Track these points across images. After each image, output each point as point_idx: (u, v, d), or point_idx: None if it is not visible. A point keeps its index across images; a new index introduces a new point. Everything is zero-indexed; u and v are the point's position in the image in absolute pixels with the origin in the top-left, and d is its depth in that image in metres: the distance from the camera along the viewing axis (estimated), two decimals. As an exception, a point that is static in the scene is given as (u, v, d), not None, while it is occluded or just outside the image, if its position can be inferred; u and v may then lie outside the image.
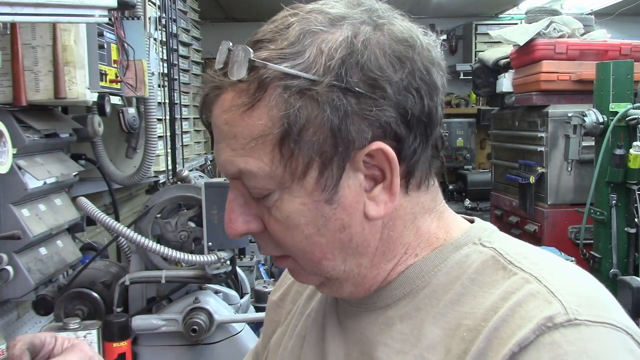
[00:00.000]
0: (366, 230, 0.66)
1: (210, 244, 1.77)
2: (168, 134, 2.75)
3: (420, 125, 0.64)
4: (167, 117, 2.77)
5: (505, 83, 4.42)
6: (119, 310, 1.80)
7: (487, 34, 5.68)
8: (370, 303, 0.72)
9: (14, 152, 1.54)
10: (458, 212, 0.76)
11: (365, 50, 0.61)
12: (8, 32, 1.54)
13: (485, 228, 0.72)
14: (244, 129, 0.62)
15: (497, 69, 4.57)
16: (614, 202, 3.25)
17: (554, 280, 0.61)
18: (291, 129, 0.61)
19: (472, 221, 0.75)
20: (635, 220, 3.19)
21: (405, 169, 0.66)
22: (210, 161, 3.68)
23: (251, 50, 0.61)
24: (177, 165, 2.74)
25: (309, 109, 0.61)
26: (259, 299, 2.19)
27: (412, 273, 0.69)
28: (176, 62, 3.05)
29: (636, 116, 3.10)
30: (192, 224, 1.87)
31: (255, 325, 2.05)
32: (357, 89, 0.61)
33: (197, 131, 3.84)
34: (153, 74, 2.43)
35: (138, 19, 2.09)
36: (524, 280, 0.62)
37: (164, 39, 2.78)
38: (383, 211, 0.65)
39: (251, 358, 0.97)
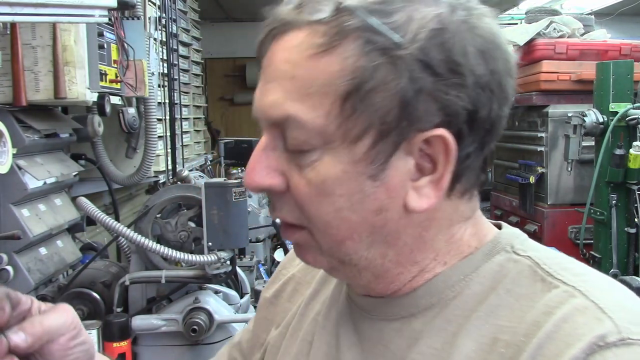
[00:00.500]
0: (402, 221, 0.61)
1: (210, 244, 1.77)
2: (168, 134, 2.75)
3: (481, 131, 0.61)
4: (167, 117, 2.77)
5: (505, 83, 4.41)
6: (119, 310, 1.80)
7: (487, 34, 5.67)
8: (393, 312, 0.66)
9: (14, 152, 1.54)
10: None
11: (456, 33, 0.57)
12: (8, 32, 1.54)
13: (516, 235, 0.67)
14: (308, 72, 0.57)
15: (497, 69, 4.56)
16: (614, 202, 3.26)
17: (601, 295, 0.57)
18: (360, 86, 0.56)
19: (499, 226, 0.70)
20: (635, 220, 3.19)
21: (455, 171, 0.61)
22: (210, 161, 3.68)
23: None
24: (177, 165, 2.73)
25: (385, 72, 0.56)
26: (259, 299, 2.18)
27: (441, 282, 0.64)
28: (176, 62, 3.05)
29: (636, 116, 3.10)
30: (192, 224, 1.87)
31: (255, 325, 2.05)
32: (437, 68, 0.56)
33: (197, 131, 3.84)
34: (153, 74, 2.43)
35: (138, 19, 2.09)
36: (567, 294, 0.58)
37: (164, 39, 2.78)
38: (425, 205, 0.60)
39: (231, 356, 0.90)
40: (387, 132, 0.57)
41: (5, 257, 1.59)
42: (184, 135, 3.23)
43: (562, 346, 0.54)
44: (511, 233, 0.67)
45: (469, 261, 0.64)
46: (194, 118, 3.70)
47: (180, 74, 3.22)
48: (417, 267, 0.65)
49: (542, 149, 3.97)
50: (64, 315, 0.65)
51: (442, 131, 0.58)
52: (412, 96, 0.56)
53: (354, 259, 0.63)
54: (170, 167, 2.71)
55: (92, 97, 1.75)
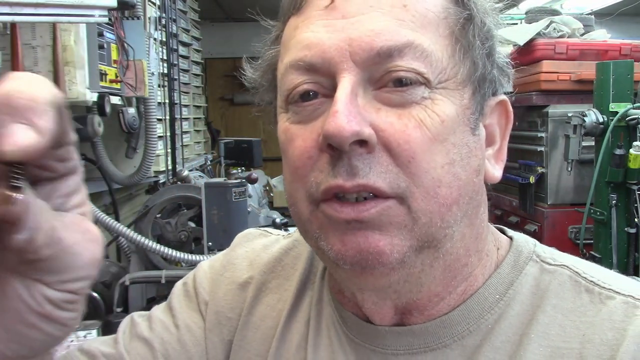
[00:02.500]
0: (482, 192, 0.55)
1: (210, 244, 1.77)
2: (168, 134, 2.75)
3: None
4: (167, 117, 2.77)
5: (505, 83, 4.42)
6: (119, 310, 1.80)
7: (487, 34, 5.67)
8: (418, 343, 0.57)
9: (14, 152, 1.54)
10: None
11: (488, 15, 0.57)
12: (8, 32, 1.54)
13: (526, 240, 0.63)
14: (420, 3, 0.53)
15: (497, 69, 4.56)
16: (614, 202, 3.25)
17: None
18: (475, 23, 0.54)
19: (502, 230, 0.65)
20: (635, 220, 3.19)
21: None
22: (210, 161, 3.68)
23: None
24: (177, 165, 2.73)
25: (481, 26, 0.55)
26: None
27: (476, 304, 0.57)
28: (176, 62, 3.05)
29: (636, 116, 3.10)
30: (192, 224, 1.87)
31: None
32: (495, 40, 0.56)
33: (197, 131, 3.84)
34: (153, 74, 2.43)
35: (138, 19, 2.09)
36: (629, 306, 0.53)
37: (164, 39, 2.78)
38: (498, 173, 0.56)
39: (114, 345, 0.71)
40: (479, 85, 0.55)
41: (5, 257, 1.59)
42: (184, 135, 3.24)
43: None
44: (523, 239, 0.63)
45: (499, 277, 0.59)
46: (194, 118, 3.70)
47: (180, 74, 3.22)
48: (478, 258, 0.58)
49: (542, 149, 3.96)
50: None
51: (504, 97, 0.57)
52: (492, 58, 0.56)
53: (448, 234, 0.53)
54: (170, 167, 2.71)
55: (92, 97, 1.75)
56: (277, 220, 2.60)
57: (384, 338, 0.58)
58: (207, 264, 0.76)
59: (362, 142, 0.50)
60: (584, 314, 0.54)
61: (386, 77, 0.51)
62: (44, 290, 0.36)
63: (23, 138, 0.31)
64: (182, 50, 3.43)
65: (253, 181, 2.24)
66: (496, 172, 0.56)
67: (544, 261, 0.59)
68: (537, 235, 4.01)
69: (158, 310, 0.74)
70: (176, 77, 3.01)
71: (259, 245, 0.75)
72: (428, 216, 0.51)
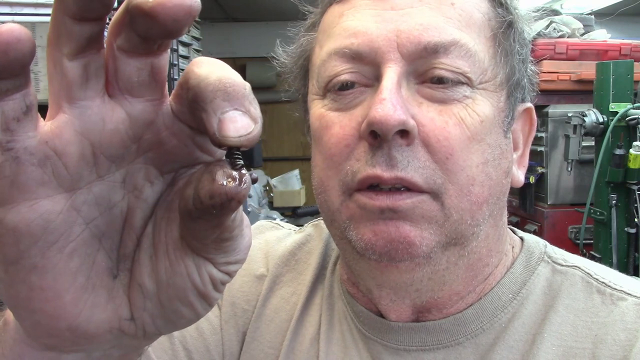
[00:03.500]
0: (506, 194, 0.56)
1: (210, 244, 1.77)
2: (168, 134, 2.75)
3: None
4: (167, 117, 2.77)
5: (505, 83, 4.42)
6: (119, 310, 1.80)
7: (487, 34, 5.67)
8: (431, 340, 0.57)
9: (14, 152, 1.54)
10: None
11: (526, 25, 0.58)
12: (8, 32, 1.54)
13: (536, 240, 0.64)
14: (467, 3, 0.54)
15: (497, 69, 4.57)
16: (614, 202, 3.26)
17: None
18: (515, 28, 0.55)
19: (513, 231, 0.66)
20: (635, 220, 3.19)
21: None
22: (210, 161, 3.68)
23: None
24: (177, 165, 2.73)
25: (519, 33, 0.56)
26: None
27: (490, 303, 0.58)
28: (176, 62, 3.05)
29: (636, 116, 3.10)
30: (192, 224, 1.87)
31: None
32: (527, 47, 0.58)
33: (197, 131, 3.84)
34: (153, 74, 2.43)
35: (138, 19, 2.09)
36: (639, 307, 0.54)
37: (164, 39, 2.77)
38: (521, 177, 0.57)
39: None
40: (514, 90, 0.56)
41: (5, 257, 1.59)
42: (184, 135, 3.23)
43: None
44: (534, 240, 0.64)
45: (512, 276, 0.59)
46: (194, 118, 3.70)
47: (180, 74, 3.22)
48: (498, 257, 0.59)
49: (542, 149, 3.96)
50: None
51: (529, 104, 0.58)
52: (526, 65, 0.57)
53: (475, 232, 0.54)
54: (170, 167, 2.70)
55: (92, 97, 1.75)
56: (277, 220, 2.60)
57: (396, 334, 0.59)
58: None
59: (404, 133, 0.50)
60: (595, 314, 0.55)
61: (429, 72, 0.52)
62: (211, 269, 0.35)
63: (244, 124, 0.31)
64: (182, 50, 3.43)
65: (253, 181, 2.24)
66: (520, 176, 0.58)
67: (556, 262, 0.60)
68: (537, 235, 4.00)
69: None
70: (176, 77, 3.01)
71: (273, 238, 0.76)
72: (460, 213, 0.52)
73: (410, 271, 0.54)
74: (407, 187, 0.51)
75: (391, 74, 0.51)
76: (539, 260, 0.61)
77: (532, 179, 3.99)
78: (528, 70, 0.58)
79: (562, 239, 3.79)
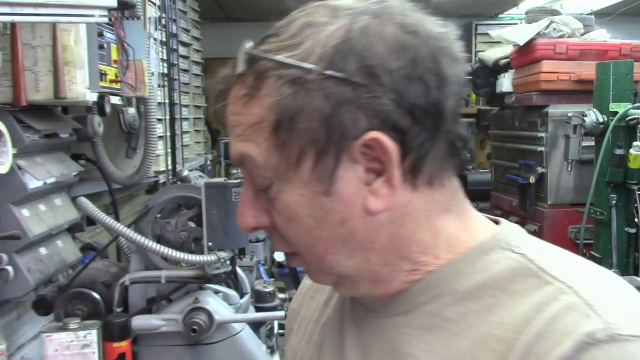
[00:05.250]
0: (369, 225, 0.64)
1: (210, 244, 1.77)
2: (168, 134, 2.75)
3: (427, 117, 0.61)
4: (167, 117, 2.77)
5: (505, 83, 4.42)
6: (119, 310, 1.80)
7: (487, 34, 5.67)
8: (390, 308, 0.68)
9: (14, 152, 1.54)
10: None
11: (362, 38, 0.60)
12: (8, 32, 1.54)
13: (512, 231, 0.68)
14: (245, 118, 0.64)
15: (497, 69, 4.57)
16: (614, 202, 3.25)
17: (592, 292, 0.58)
18: (283, 117, 0.61)
19: (496, 222, 0.71)
20: (635, 220, 3.19)
21: (411, 163, 0.62)
22: (210, 161, 3.68)
23: (250, 44, 0.65)
24: (177, 165, 2.74)
25: (300, 98, 0.60)
26: (259, 299, 2.19)
27: (436, 278, 0.65)
28: (176, 62, 3.05)
29: (636, 116, 3.10)
30: (192, 224, 1.87)
31: (256, 325, 2.05)
32: (353, 78, 0.60)
33: (197, 131, 3.84)
34: (153, 74, 2.43)
35: (138, 19, 2.09)
36: (558, 291, 0.58)
37: (164, 39, 2.78)
38: (382, 205, 0.62)
39: None
40: (323, 149, 0.61)
41: (5, 257, 1.59)
42: (184, 135, 3.24)
43: (551, 344, 0.55)
44: (508, 230, 0.68)
45: (465, 258, 0.66)
46: (194, 118, 3.70)
47: (180, 74, 3.22)
48: (407, 262, 0.66)
49: (542, 149, 3.96)
50: None
51: (373, 134, 0.60)
52: (332, 111, 0.60)
53: (342, 271, 0.66)
54: (170, 167, 2.71)
55: (92, 97, 1.75)
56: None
57: (375, 304, 0.71)
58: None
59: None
60: (525, 295, 0.60)
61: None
62: None
63: None
64: (182, 50, 3.43)
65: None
66: (379, 204, 0.62)
67: (511, 249, 0.65)
68: (537, 235, 3.97)
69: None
70: (176, 77, 3.01)
71: None
72: (316, 263, 0.67)
73: (338, 288, 0.71)
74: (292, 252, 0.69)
75: (244, 184, 0.69)
76: (496, 246, 0.65)
77: (532, 179, 3.99)
78: (344, 111, 0.61)
79: (562, 239, 3.79)
